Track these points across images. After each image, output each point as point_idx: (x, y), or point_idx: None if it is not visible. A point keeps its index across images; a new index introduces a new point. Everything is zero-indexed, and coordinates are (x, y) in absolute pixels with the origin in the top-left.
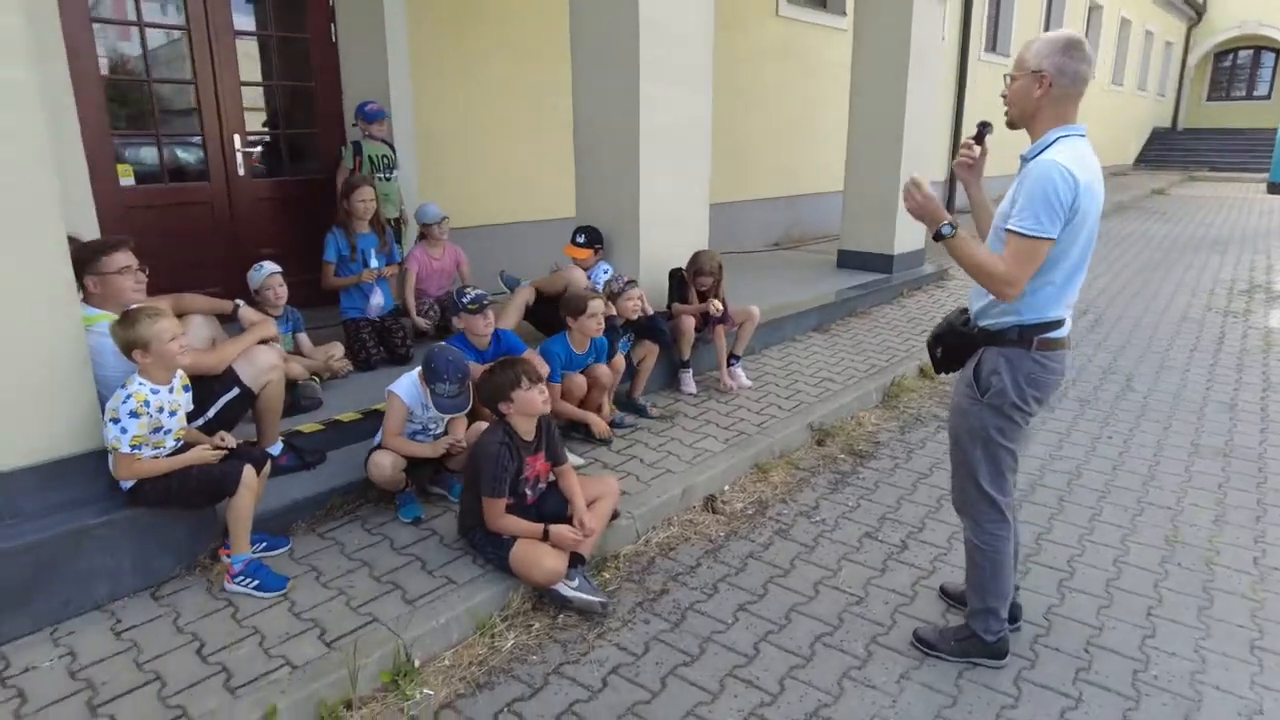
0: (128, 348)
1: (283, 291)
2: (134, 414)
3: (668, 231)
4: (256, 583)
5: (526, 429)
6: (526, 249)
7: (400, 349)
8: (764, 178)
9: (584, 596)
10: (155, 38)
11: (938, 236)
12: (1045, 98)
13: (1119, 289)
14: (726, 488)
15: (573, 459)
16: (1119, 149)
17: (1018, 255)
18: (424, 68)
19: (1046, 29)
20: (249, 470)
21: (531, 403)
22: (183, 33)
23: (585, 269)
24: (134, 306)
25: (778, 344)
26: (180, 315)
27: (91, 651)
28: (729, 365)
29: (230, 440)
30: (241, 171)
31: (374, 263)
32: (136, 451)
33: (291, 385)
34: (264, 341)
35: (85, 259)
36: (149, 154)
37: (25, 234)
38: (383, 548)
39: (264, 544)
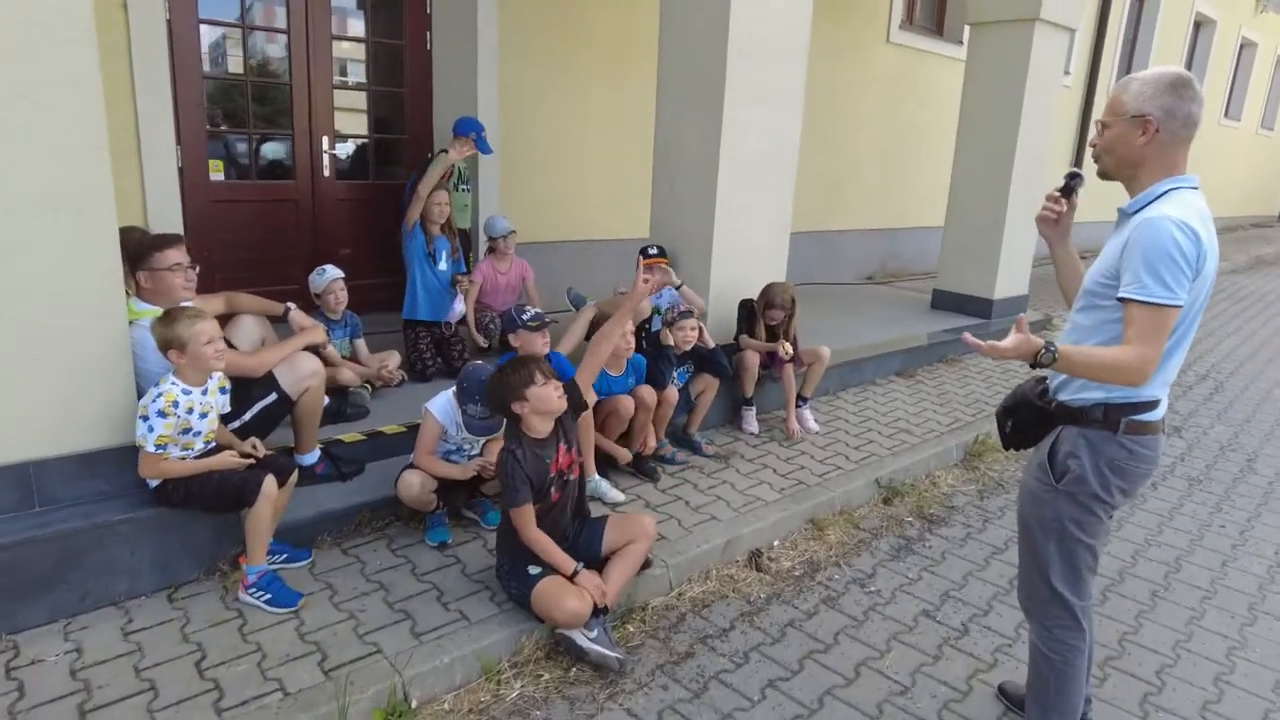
0: (165, 346)
1: (343, 296)
2: (162, 413)
3: (742, 261)
4: (269, 596)
5: (542, 428)
6: (599, 268)
7: (457, 362)
8: (862, 208)
9: (600, 650)
10: (256, 39)
11: (1036, 364)
12: (1151, 145)
13: (1249, 354)
14: (776, 543)
15: (613, 494)
16: (1263, 198)
17: (1146, 330)
18: (512, 80)
19: (1189, 65)
20: (270, 481)
21: (547, 399)
22: (283, 35)
23: (655, 290)
24: (177, 306)
25: (855, 386)
26: (232, 314)
27: (97, 650)
28: (796, 407)
29: (261, 449)
30: (327, 172)
31: (444, 265)
32: (163, 451)
33: (342, 392)
34: (314, 348)
35: (139, 254)
36: (241, 150)
37: (75, 224)
38: (403, 571)
39: (285, 555)
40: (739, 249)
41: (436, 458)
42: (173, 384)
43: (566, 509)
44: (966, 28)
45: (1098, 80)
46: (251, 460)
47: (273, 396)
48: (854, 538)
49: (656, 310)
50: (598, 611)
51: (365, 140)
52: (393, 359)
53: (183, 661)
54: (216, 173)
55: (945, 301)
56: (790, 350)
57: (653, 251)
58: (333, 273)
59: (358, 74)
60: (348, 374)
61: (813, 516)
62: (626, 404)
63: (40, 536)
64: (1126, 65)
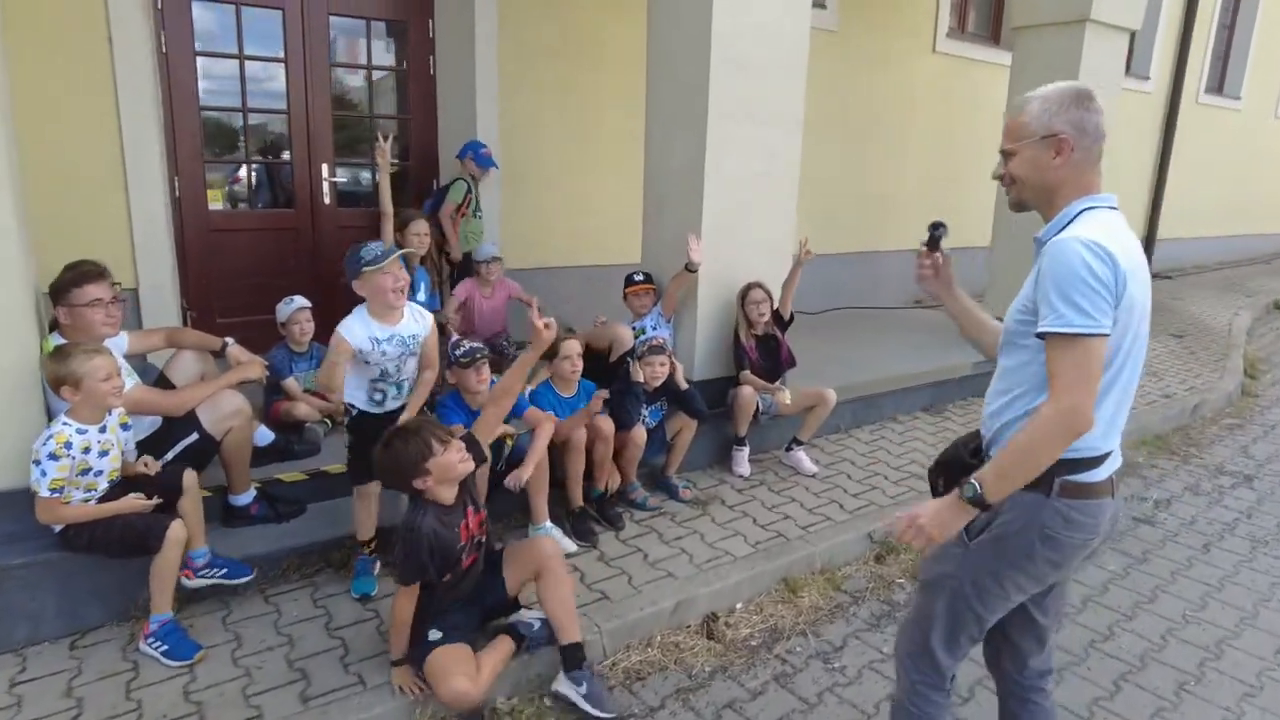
0: (56, 383)
1: (309, 327)
2: (54, 456)
3: (733, 289)
4: (166, 648)
5: (448, 495)
6: (606, 294)
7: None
8: (908, 228)
9: (594, 713)
10: (253, 68)
11: (975, 503)
12: (1066, 165)
13: None
14: (740, 605)
15: (564, 543)
16: None
17: (1069, 368)
18: (513, 104)
19: None
20: (176, 527)
21: (450, 467)
22: (281, 64)
23: (641, 314)
24: (69, 342)
25: (873, 423)
26: (174, 348)
27: None
28: (790, 449)
29: (153, 466)
30: (327, 200)
31: (422, 298)
32: (59, 495)
33: (298, 427)
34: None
35: (60, 288)
36: (239, 179)
37: None
38: (317, 625)
39: (224, 570)
40: (728, 277)
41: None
42: (65, 424)
43: (478, 568)
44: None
45: (1183, 85)
46: (152, 503)
47: (194, 436)
48: (831, 601)
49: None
50: (573, 664)
51: (366, 167)
52: None
53: None
54: (215, 202)
55: None
56: (787, 401)
57: (638, 279)
58: (299, 302)
59: (358, 101)
60: (304, 408)
61: (787, 575)
62: (580, 435)
63: None
64: (1221, 69)
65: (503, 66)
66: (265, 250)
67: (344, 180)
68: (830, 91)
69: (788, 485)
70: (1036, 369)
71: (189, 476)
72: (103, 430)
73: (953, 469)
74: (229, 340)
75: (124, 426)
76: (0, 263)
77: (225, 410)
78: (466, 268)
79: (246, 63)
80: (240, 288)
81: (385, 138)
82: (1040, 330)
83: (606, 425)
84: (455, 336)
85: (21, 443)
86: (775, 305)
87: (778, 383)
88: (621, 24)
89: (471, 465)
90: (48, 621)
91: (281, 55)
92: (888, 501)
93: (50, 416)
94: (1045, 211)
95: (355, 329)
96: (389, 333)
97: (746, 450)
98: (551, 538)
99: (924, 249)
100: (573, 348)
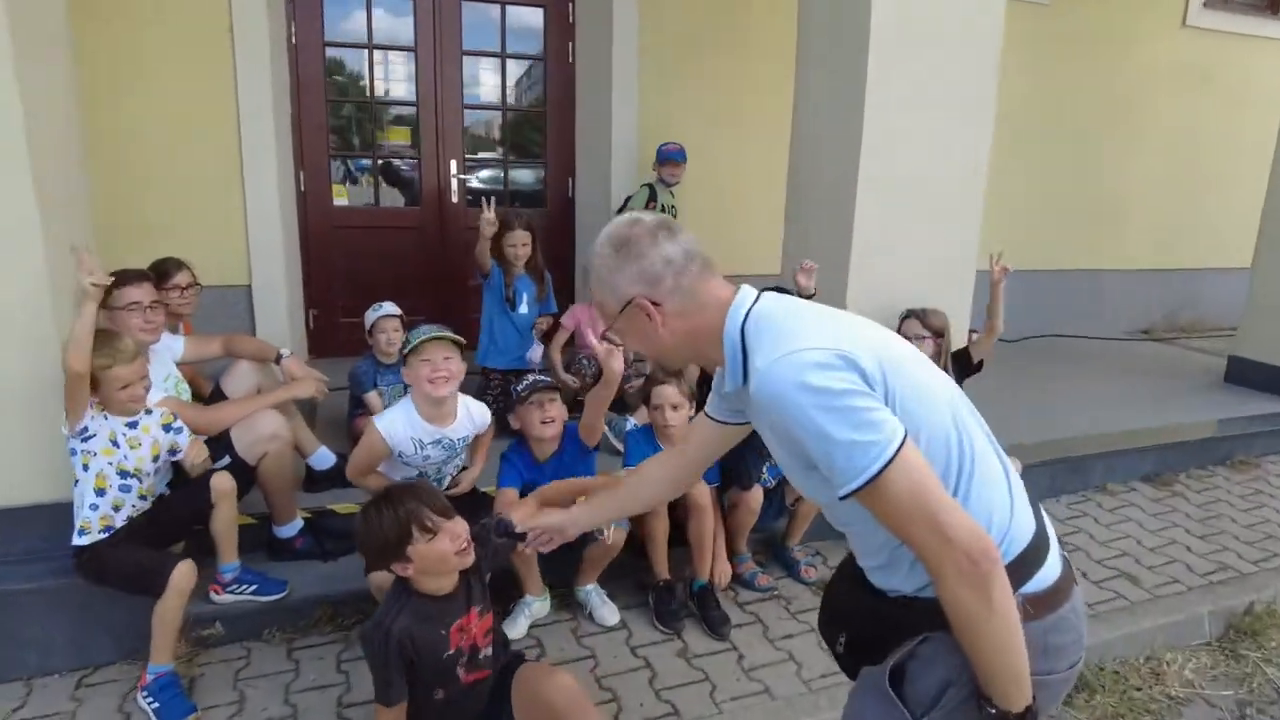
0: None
1: (396, 337)
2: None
3: (891, 316)
4: (158, 705)
5: (439, 586)
6: None
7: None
8: (1141, 241)
9: None
10: (382, 58)
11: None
12: (670, 318)
13: None
14: None
15: (606, 613)
16: None
17: (905, 510)
18: (650, 97)
19: None
20: (182, 572)
21: (440, 559)
22: (410, 53)
23: None
24: (110, 332)
25: (1073, 493)
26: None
27: None
28: None
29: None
30: (455, 198)
31: (524, 309)
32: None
33: None
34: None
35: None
36: (364, 175)
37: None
38: (330, 696)
39: (254, 586)
40: (886, 299)
41: (378, 474)
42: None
43: (486, 687)
44: None
45: None
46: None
47: (225, 460)
48: None
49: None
50: None
51: (500, 163)
52: None
53: None
54: (340, 197)
55: (1246, 374)
56: None
57: None
58: (387, 309)
59: (491, 92)
60: None
61: None
62: (660, 510)
63: None
64: None
65: (643, 54)
66: (389, 248)
67: (474, 179)
68: (1039, 78)
69: None
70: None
71: (222, 482)
72: (132, 425)
73: (856, 621)
74: (285, 351)
75: (167, 428)
76: (19, 265)
77: (261, 433)
78: None
79: (376, 54)
80: (362, 286)
81: (489, 203)
82: (843, 495)
83: (704, 493)
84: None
85: (41, 457)
86: (946, 339)
87: None
88: (773, 7)
89: (471, 559)
90: (58, 652)
91: (412, 44)
92: (1087, 610)
93: None
94: (707, 364)
95: (397, 425)
96: (436, 435)
97: None
98: (570, 675)
99: None
100: (666, 395)
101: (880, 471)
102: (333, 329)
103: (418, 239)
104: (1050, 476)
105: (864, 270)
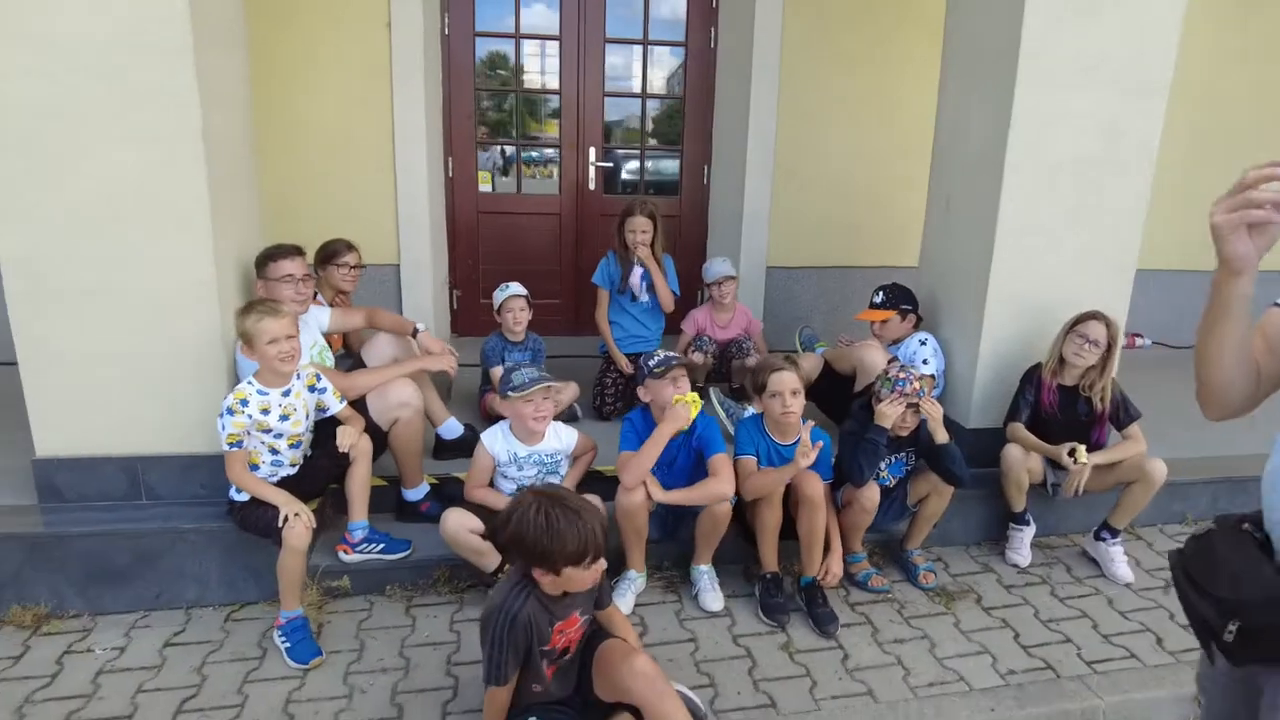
0: (240, 338)
1: (523, 316)
2: (230, 410)
3: (1040, 313)
4: (289, 645)
5: (555, 590)
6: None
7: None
8: None
9: None
10: (528, 47)
11: None
12: None
13: None
14: None
15: (710, 599)
16: None
17: None
18: (793, 83)
19: None
20: (295, 531)
21: (579, 584)
22: (555, 41)
23: (892, 341)
24: (261, 299)
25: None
26: (370, 328)
27: (133, 656)
28: (1099, 540)
29: (347, 438)
30: (593, 185)
31: (644, 298)
32: (238, 449)
33: (496, 420)
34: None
35: (258, 262)
36: (509, 161)
37: (169, 236)
38: (441, 653)
39: (380, 545)
40: (1032, 297)
41: (488, 489)
42: (248, 383)
43: (564, 684)
44: None
45: None
46: (299, 514)
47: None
48: None
49: (884, 374)
50: None
51: (636, 152)
52: (569, 390)
53: (173, 695)
54: (485, 183)
55: None
56: (1085, 460)
57: (877, 300)
58: (514, 289)
59: (632, 80)
60: None
61: None
62: (779, 493)
63: (121, 531)
64: None
65: (786, 37)
66: (529, 233)
67: (614, 165)
68: (1234, 57)
69: (1082, 592)
70: None
71: (362, 443)
72: (286, 394)
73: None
74: (421, 326)
75: (313, 389)
76: (189, 237)
77: (392, 401)
78: None
79: (523, 42)
80: (505, 270)
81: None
82: None
83: (815, 486)
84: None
85: (206, 412)
86: (1114, 353)
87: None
88: None
89: (593, 583)
90: (212, 588)
91: (556, 33)
92: None
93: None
94: None
95: (496, 441)
96: (529, 451)
97: (1029, 532)
98: (647, 659)
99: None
100: (785, 382)
101: None
102: (475, 309)
103: (556, 225)
104: (1210, 496)
105: (1010, 259)
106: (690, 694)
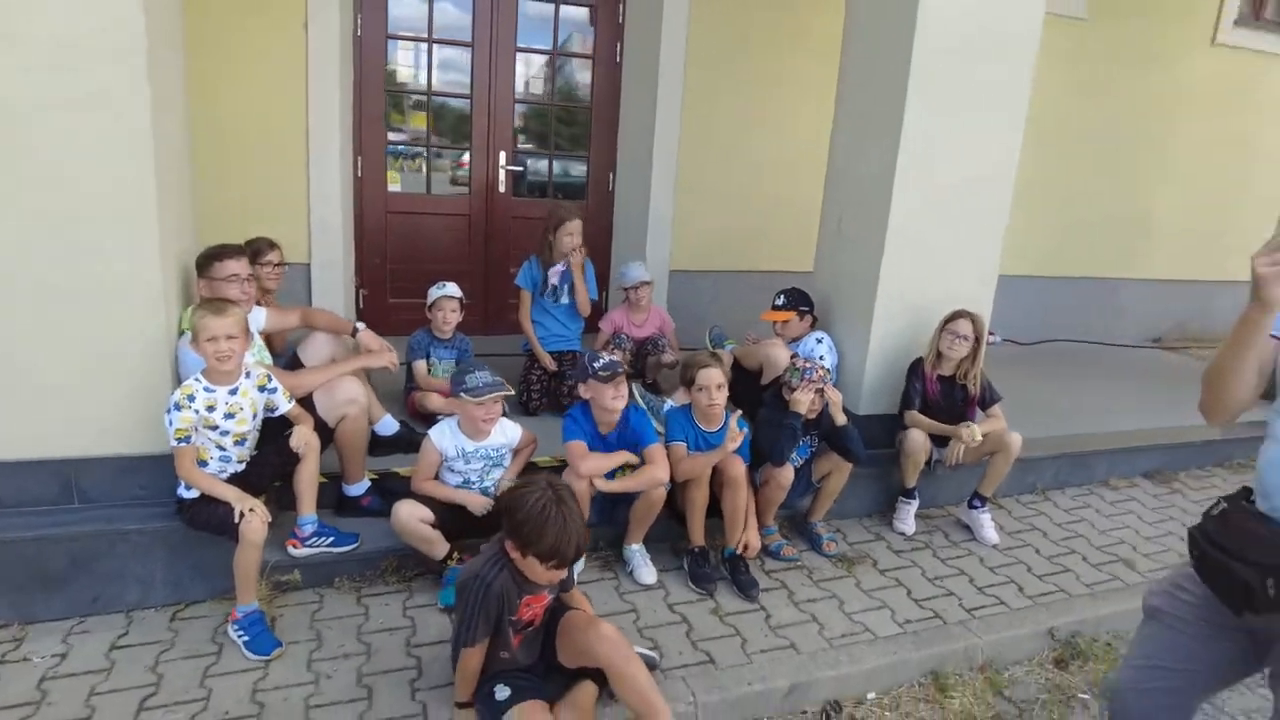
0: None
1: (453, 316)
2: (177, 405)
3: (918, 317)
4: (248, 639)
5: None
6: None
7: (565, 398)
8: (1159, 251)
9: None
10: (440, 52)
11: None
12: None
13: None
14: (871, 696)
15: (645, 573)
16: None
17: None
18: (697, 97)
19: None
20: (250, 525)
21: (536, 574)
22: (468, 48)
23: (793, 339)
24: (214, 299)
25: (1078, 485)
26: (308, 328)
27: (78, 660)
28: (972, 507)
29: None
30: (503, 188)
31: (565, 299)
32: (185, 444)
33: (430, 419)
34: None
35: (201, 262)
36: (418, 162)
37: (118, 238)
38: (399, 637)
39: (330, 538)
40: (915, 297)
41: (434, 481)
42: (195, 380)
43: (529, 653)
44: None
45: None
46: (254, 509)
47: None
48: (988, 710)
49: (792, 366)
50: None
51: (545, 157)
52: None
53: (130, 695)
54: (394, 184)
55: None
56: (978, 438)
57: (779, 302)
58: (450, 289)
59: (541, 88)
60: (437, 400)
61: (937, 668)
62: (706, 474)
63: (53, 535)
64: None
65: (691, 55)
66: (439, 234)
67: (523, 169)
68: (1074, 91)
69: (958, 553)
70: None
71: (311, 438)
72: (233, 392)
73: None
74: (360, 325)
75: (263, 389)
76: (138, 238)
77: (340, 398)
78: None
79: (435, 47)
80: (412, 270)
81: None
82: None
83: (738, 468)
84: (594, 351)
85: (151, 411)
86: (982, 346)
87: (963, 424)
88: (826, 9)
89: (548, 582)
90: (155, 588)
91: (469, 39)
92: (1082, 590)
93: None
94: None
95: (445, 437)
96: (476, 447)
97: (914, 505)
98: (610, 626)
99: None
100: (711, 377)
101: None
102: (383, 309)
103: (466, 226)
104: (1055, 469)
105: (896, 266)
106: (646, 651)
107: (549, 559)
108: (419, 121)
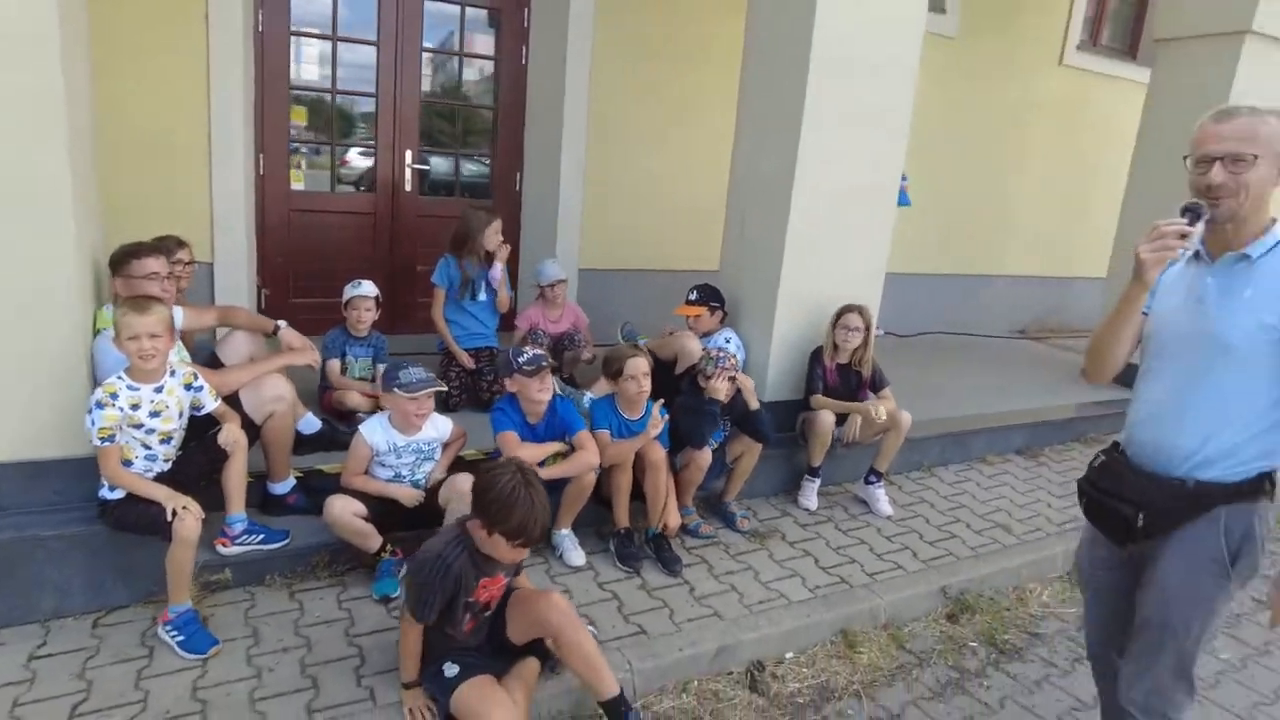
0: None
1: (368, 315)
2: (100, 404)
3: (814, 312)
4: (182, 638)
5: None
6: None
7: (485, 394)
8: (1020, 251)
9: None
10: (344, 49)
11: None
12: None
13: None
14: (789, 655)
15: (574, 556)
16: None
17: None
18: (602, 102)
19: None
20: (184, 524)
21: (499, 554)
22: (372, 46)
23: (705, 333)
24: (139, 296)
25: (960, 463)
26: (227, 327)
27: None
28: (868, 483)
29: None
30: (409, 187)
31: (483, 296)
32: (109, 444)
33: (348, 416)
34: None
35: (118, 260)
36: (323, 160)
37: (32, 236)
38: (337, 629)
39: (260, 536)
40: (813, 294)
41: (365, 476)
42: (119, 378)
43: (478, 634)
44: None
45: None
46: (192, 513)
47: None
48: (892, 662)
49: (707, 355)
50: (621, 714)
51: (451, 156)
52: None
53: (60, 704)
54: (297, 182)
55: None
56: (883, 415)
57: (692, 298)
58: (366, 288)
59: (447, 88)
60: (355, 398)
61: (846, 627)
62: (626, 452)
63: None
64: None
65: (596, 60)
66: (343, 233)
67: (429, 168)
68: (944, 104)
69: (858, 525)
70: (1268, 384)
71: (239, 436)
72: (158, 390)
73: (1158, 500)
74: (282, 324)
75: (188, 387)
76: (54, 236)
77: (267, 395)
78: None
79: (339, 45)
80: (316, 269)
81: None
82: None
83: (659, 453)
84: (518, 346)
85: (66, 414)
86: (870, 334)
87: (868, 402)
88: (727, 20)
89: (511, 561)
90: (74, 595)
91: (374, 38)
92: (967, 552)
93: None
94: (1247, 230)
95: (376, 432)
96: (407, 441)
97: (817, 483)
98: (561, 596)
99: (1185, 225)
100: (638, 366)
101: None
102: (284, 308)
103: (371, 225)
104: (940, 448)
105: (796, 267)
106: (587, 627)
107: (515, 537)
108: (323, 119)
